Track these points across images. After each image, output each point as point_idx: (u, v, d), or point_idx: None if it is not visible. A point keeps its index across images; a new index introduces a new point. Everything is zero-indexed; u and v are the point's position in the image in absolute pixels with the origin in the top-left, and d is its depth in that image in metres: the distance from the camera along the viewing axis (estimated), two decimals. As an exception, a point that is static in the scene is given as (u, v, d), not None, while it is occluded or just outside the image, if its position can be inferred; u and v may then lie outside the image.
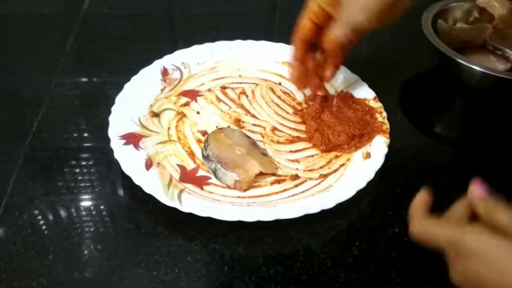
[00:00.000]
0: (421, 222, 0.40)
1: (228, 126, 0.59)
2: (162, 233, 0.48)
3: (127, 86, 0.61)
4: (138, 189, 0.50)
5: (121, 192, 0.53)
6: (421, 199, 0.41)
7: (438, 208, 0.51)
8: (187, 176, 0.53)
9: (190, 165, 0.54)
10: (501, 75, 0.61)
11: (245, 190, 0.51)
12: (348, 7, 0.52)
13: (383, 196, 0.52)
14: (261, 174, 0.53)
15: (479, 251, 0.36)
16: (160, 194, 0.48)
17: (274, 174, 0.54)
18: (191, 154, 0.56)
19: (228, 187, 0.52)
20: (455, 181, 0.55)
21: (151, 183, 0.50)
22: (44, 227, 0.48)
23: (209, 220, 0.47)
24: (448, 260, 0.38)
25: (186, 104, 0.62)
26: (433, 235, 0.39)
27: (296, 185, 0.53)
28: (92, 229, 0.49)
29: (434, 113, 0.65)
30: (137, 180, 0.50)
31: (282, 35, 0.75)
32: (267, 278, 0.45)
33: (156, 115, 0.60)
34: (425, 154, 0.59)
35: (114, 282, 0.44)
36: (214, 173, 0.53)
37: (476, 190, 0.41)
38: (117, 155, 0.52)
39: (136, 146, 0.54)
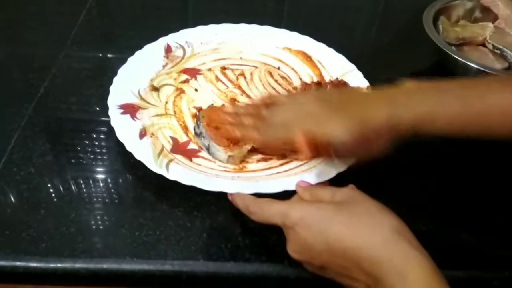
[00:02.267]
0: (256, 203, 0.45)
1: (223, 105, 0.61)
2: (148, 198, 0.51)
3: (130, 59, 0.63)
4: (130, 156, 0.52)
5: (114, 158, 0.55)
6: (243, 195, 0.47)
7: (421, 199, 0.53)
8: (178, 148, 0.55)
9: (182, 138, 0.57)
10: (496, 73, 0.61)
11: (238, 165, 0.53)
12: None
13: (364, 182, 0.53)
14: (253, 149, 0.55)
15: (303, 218, 0.40)
16: (150, 161, 0.51)
17: (263, 152, 0.55)
18: (185, 128, 0.58)
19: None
20: (444, 175, 0.56)
21: (142, 151, 0.52)
22: (38, 184, 0.51)
23: (194, 190, 0.49)
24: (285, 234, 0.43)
25: (186, 81, 0.65)
26: (267, 212, 0.43)
27: (282, 164, 0.54)
28: (83, 190, 0.51)
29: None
30: (129, 147, 0.52)
31: (290, 22, 0.77)
32: (242, 247, 0.47)
33: (155, 89, 0.62)
34: (413, 145, 0.60)
35: (98, 238, 0.47)
36: (207, 149, 0.55)
37: (301, 183, 0.47)
38: (113, 122, 0.54)
39: (133, 116, 0.57)
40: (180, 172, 0.50)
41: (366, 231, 0.38)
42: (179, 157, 0.54)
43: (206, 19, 0.72)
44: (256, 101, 0.56)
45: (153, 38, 0.68)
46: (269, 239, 0.47)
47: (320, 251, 0.40)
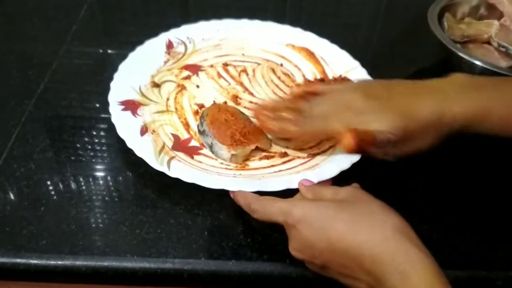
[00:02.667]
0: (258, 201, 0.44)
1: (225, 102, 0.61)
2: (149, 196, 0.50)
3: (131, 55, 0.63)
4: (131, 153, 0.51)
5: (114, 155, 0.55)
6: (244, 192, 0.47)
7: (425, 199, 0.52)
8: (180, 145, 0.55)
9: (184, 135, 0.56)
10: (501, 71, 0.60)
11: (241, 164, 0.53)
12: None
13: (367, 179, 0.53)
14: (257, 149, 0.54)
15: (305, 216, 0.40)
16: (151, 158, 0.50)
17: (264, 150, 0.55)
18: (186, 125, 0.58)
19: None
20: (448, 174, 0.56)
21: (144, 148, 0.52)
22: (39, 180, 0.51)
23: (196, 188, 0.49)
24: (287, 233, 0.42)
25: (187, 77, 0.64)
26: (269, 210, 0.43)
27: (284, 162, 0.54)
28: (83, 187, 0.51)
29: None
30: (130, 144, 0.52)
31: (293, 18, 0.76)
32: (244, 245, 0.47)
33: (156, 85, 0.62)
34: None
35: (99, 236, 0.47)
36: (210, 147, 0.54)
37: (304, 182, 0.47)
38: (114, 119, 0.54)
39: (134, 113, 0.56)
40: (182, 169, 0.50)
41: (368, 230, 0.38)
42: (180, 154, 0.53)
43: (208, 15, 0.72)
44: (295, 92, 0.54)
45: (154, 34, 0.67)
46: (270, 237, 0.47)
47: (322, 249, 0.39)
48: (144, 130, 0.54)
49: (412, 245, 0.36)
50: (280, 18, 0.73)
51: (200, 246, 0.46)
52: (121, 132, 0.53)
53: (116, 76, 0.59)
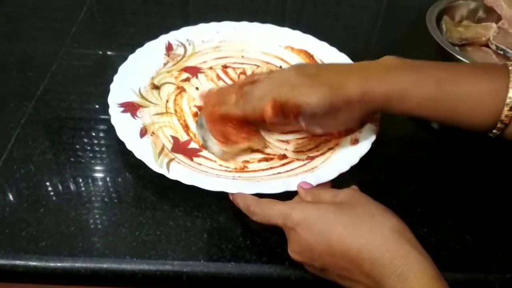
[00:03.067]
0: (257, 204, 0.45)
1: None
2: (148, 197, 0.51)
3: (131, 57, 0.63)
4: (131, 155, 0.52)
5: (114, 157, 0.55)
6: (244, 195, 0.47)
7: (424, 201, 0.52)
8: (179, 147, 0.55)
9: (183, 137, 0.56)
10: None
11: (236, 163, 0.54)
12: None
13: (366, 182, 0.53)
14: (255, 150, 0.54)
15: (305, 219, 0.40)
16: (150, 160, 0.50)
17: (262, 152, 0.55)
18: (186, 127, 0.58)
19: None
20: (447, 176, 0.56)
21: (143, 150, 0.52)
22: (38, 182, 0.51)
23: (195, 190, 0.49)
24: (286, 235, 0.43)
25: (187, 79, 0.64)
26: (268, 212, 0.43)
27: (283, 164, 0.54)
28: (82, 188, 0.51)
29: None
30: (130, 146, 0.52)
31: (293, 20, 0.76)
32: (243, 248, 0.47)
33: (156, 87, 0.62)
34: (414, 146, 0.60)
35: (98, 238, 0.47)
36: (204, 141, 0.54)
37: (303, 185, 0.47)
38: (113, 121, 0.54)
39: (133, 114, 0.56)
40: (181, 171, 0.50)
41: (367, 232, 0.38)
42: (179, 156, 0.53)
43: (208, 17, 0.72)
44: (240, 81, 0.56)
45: (154, 35, 0.67)
46: (270, 239, 0.47)
47: (321, 252, 0.39)
48: (143, 132, 0.54)
49: (411, 247, 0.37)
50: (279, 20, 0.74)
51: (199, 248, 0.46)
52: (121, 134, 0.53)
53: (115, 78, 0.59)
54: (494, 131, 0.46)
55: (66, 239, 0.46)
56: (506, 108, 0.44)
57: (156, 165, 0.50)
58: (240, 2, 0.84)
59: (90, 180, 0.52)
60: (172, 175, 0.49)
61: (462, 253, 0.48)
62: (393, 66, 0.47)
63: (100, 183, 0.52)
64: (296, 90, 0.47)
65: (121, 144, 0.52)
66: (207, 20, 0.71)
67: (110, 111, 0.55)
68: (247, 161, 0.54)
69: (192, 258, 0.46)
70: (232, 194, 0.48)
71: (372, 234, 0.38)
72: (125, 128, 0.54)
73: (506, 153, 0.58)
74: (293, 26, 0.70)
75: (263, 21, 0.71)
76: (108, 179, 0.52)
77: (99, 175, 0.53)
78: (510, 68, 0.44)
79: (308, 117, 0.48)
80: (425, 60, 0.48)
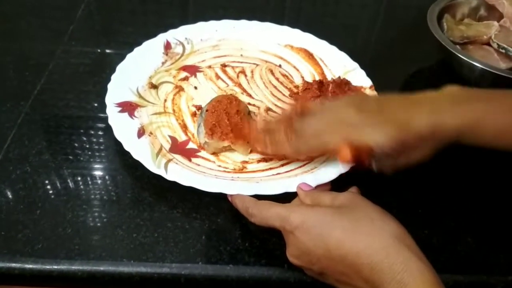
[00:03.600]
0: (256, 206, 0.44)
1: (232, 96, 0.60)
2: (146, 199, 0.50)
3: (129, 56, 0.62)
4: (128, 156, 0.51)
5: (112, 157, 0.54)
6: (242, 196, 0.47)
7: (425, 203, 0.52)
8: (177, 148, 0.54)
9: (181, 137, 0.56)
10: (501, 73, 0.60)
11: (213, 153, 0.54)
12: None
13: (366, 183, 0.53)
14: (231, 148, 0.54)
15: (303, 222, 0.40)
16: (148, 161, 0.50)
17: (262, 153, 0.55)
18: (184, 127, 0.57)
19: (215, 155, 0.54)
20: (447, 178, 0.55)
21: (141, 151, 0.51)
22: (34, 183, 0.50)
23: (193, 191, 0.48)
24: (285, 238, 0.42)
25: (185, 78, 0.64)
26: (266, 215, 0.43)
27: (282, 165, 0.53)
28: (79, 189, 0.51)
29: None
30: (127, 146, 0.51)
31: (292, 19, 0.76)
32: (242, 250, 0.46)
33: (154, 86, 0.61)
34: None
35: (95, 241, 0.46)
36: (198, 126, 0.55)
37: (303, 186, 0.47)
38: (111, 121, 0.53)
39: (131, 114, 0.56)
40: (179, 172, 0.50)
41: (367, 237, 0.37)
42: (178, 156, 0.53)
43: (207, 15, 0.71)
44: (287, 113, 0.53)
45: (152, 34, 0.66)
46: (268, 242, 0.47)
47: (320, 256, 0.39)
48: (141, 132, 0.54)
49: (411, 253, 0.36)
50: (279, 19, 0.73)
51: (197, 251, 0.46)
52: (118, 134, 0.52)
53: (113, 77, 0.59)
54: None
55: (63, 241, 0.46)
56: None
57: (154, 166, 0.49)
58: (239, 0, 0.83)
59: (87, 181, 0.51)
60: (170, 176, 0.49)
61: (463, 255, 0.48)
62: (462, 96, 0.45)
63: (97, 184, 0.51)
64: (361, 129, 0.44)
65: (119, 144, 0.52)
66: (206, 18, 0.70)
67: (108, 111, 0.54)
68: (246, 162, 0.54)
69: (190, 261, 0.45)
70: (231, 195, 0.47)
71: (371, 239, 0.37)
72: (123, 128, 0.53)
73: (507, 155, 0.57)
74: (292, 25, 0.70)
75: (262, 19, 0.71)
76: (105, 180, 0.52)
77: (96, 176, 0.52)
78: None
79: (377, 156, 0.45)
80: (491, 89, 0.45)
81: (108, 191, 0.51)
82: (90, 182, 0.51)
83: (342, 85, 0.61)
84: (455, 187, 0.54)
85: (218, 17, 0.71)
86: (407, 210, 0.51)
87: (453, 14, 0.71)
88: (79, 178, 0.52)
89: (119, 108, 0.56)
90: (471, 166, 0.57)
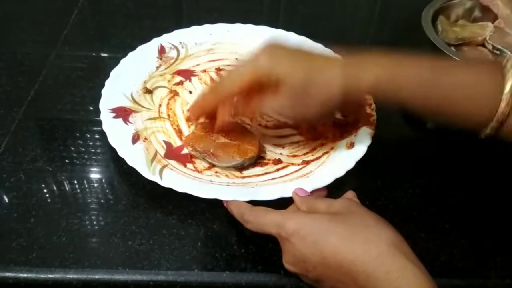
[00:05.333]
0: (252, 212, 0.44)
1: None
2: (141, 205, 0.50)
3: (123, 61, 0.62)
4: (123, 162, 0.51)
5: (106, 164, 0.54)
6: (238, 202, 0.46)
7: (420, 205, 0.52)
8: (172, 153, 0.54)
9: (176, 142, 0.56)
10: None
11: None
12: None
13: (362, 186, 0.53)
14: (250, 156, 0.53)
15: (299, 230, 0.40)
16: (143, 168, 0.50)
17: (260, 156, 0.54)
18: (179, 132, 0.57)
19: (210, 166, 0.53)
20: (443, 181, 0.55)
21: (135, 157, 0.51)
22: (29, 191, 0.50)
23: (189, 197, 0.48)
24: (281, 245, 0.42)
25: (180, 83, 0.63)
26: (262, 221, 0.42)
27: (278, 169, 0.53)
28: (74, 197, 0.50)
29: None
30: (122, 153, 0.51)
31: (287, 22, 0.75)
32: (238, 256, 0.46)
33: (149, 91, 0.61)
34: (411, 149, 0.59)
35: (90, 249, 0.46)
36: None
37: (298, 192, 0.46)
38: (105, 127, 0.53)
39: (126, 120, 0.55)
40: (174, 178, 0.49)
41: (362, 244, 0.37)
42: (173, 162, 0.52)
43: (201, 19, 0.71)
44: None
45: (147, 38, 0.66)
46: (265, 248, 0.46)
47: (315, 263, 0.39)
48: (136, 138, 0.54)
49: (407, 260, 0.36)
50: (274, 22, 0.73)
51: (193, 258, 0.46)
52: (112, 140, 0.52)
53: (107, 83, 0.58)
54: (488, 131, 0.43)
55: (57, 250, 0.45)
56: (502, 104, 0.41)
57: (148, 173, 0.49)
58: (233, 4, 0.83)
59: (81, 188, 0.51)
60: (165, 182, 0.48)
61: (460, 259, 0.47)
62: (380, 54, 0.46)
63: (92, 191, 0.51)
64: (279, 62, 0.46)
65: (114, 150, 0.51)
66: (200, 22, 0.70)
67: (102, 117, 0.54)
68: (242, 168, 0.53)
69: (186, 268, 0.45)
70: (227, 201, 0.47)
71: (367, 246, 0.37)
72: (117, 134, 0.53)
73: (502, 157, 0.57)
74: (287, 28, 0.70)
75: (256, 23, 0.70)
76: (100, 187, 0.52)
77: (91, 183, 0.52)
78: (504, 63, 0.42)
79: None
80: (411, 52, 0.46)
81: (103, 198, 0.50)
82: (84, 189, 0.51)
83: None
84: (450, 190, 0.54)
85: (213, 21, 0.70)
86: (402, 213, 0.51)
87: (448, 16, 0.71)
88: (73, 186, 0.51)
89: (114, 114, 0.55)
90: (467, 169, 0.57)
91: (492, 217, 0.52)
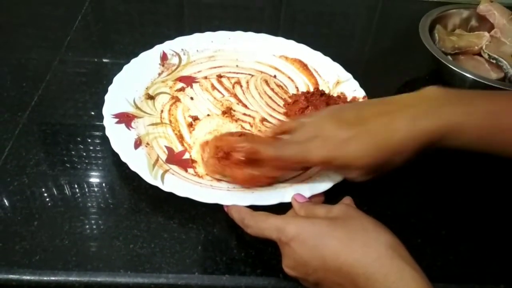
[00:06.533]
0: (252, 216, 0.44)
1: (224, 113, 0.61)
2: (143, 210, 0.50)
3: (126, 67, 0.63)
4: (125, 166, 0.52)
5: (108, 168, 0.55)
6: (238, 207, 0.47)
7: (417, 211, 0.53)
8: (174, 158, 0.55)
9: (178, 147, 0.56)
10: (491, 83, 0.61)
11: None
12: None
13: (359, 193, 0.53)
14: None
15: (299, 234, 0.40)
16: (145, 172, 0.50)
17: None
18: (180, 138, 0.58)
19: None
20: (439, 187, 0.56)
21: (138, 162, 0.52)
22: (32, 195, 0.51)
23: (190, 201, 0.49)
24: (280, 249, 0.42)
25: (182, 89, 0.64)
26: (262, 226, 0.43)
27: (277, 176, 0.54)
28: (77, 201, 0.51)
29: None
30: (124, 158, 0.52)
31: (287, 30, 0.76)
32: (238, 260, 0.47)
33: (151, 97, 0.62)
34: (425, 159, 0.59)
35: (92, 252, 0.46)
36: None
37: (297, 198, 0.47)
38: (108, 132, 0.54)
39: (128, 125, 0.56)
40: (175, 183, 0.50)
41: (361, 248, 0.38)
42: (174, 167, 0.53)
43: (202, 26, 0.72)
44: (269, 133, 0.54)
45: (149, 45, 0.67)
46: (264, 252, 0.47)
47: (315, 267, 0.39)
48: (138, 143, 0.54)
49: (405, 263, 0.37)
50: (274, 30, 0.74)
51: (194, 261, 0.46)
52: (115, 145, 0.53)
53: (110, 88, 0.59)
54: None
55: (60, 252, 0.46)
56: None
57: (150, 177, 0.50)
58: (234, 12, 0.84)
59: (84, 192, 0.52)
60: (167, 187, 0.49)
61: (456, 264, 0.48)
62: (442, 99, 0.44)
63: (94, 195, 0.52)
64: (342, 147, 0.45)
65: (116, 155, 0.52)
66: (202, 30, 0.71)
67: (105, 122, 0.55)
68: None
69: (187, 271, 0.46)
70: (227, 206, 0.48)
71: (366, 250, 0.38)
72: (120, 139, 0.54)
73: (499, 163, 0.58)
74: (287, 36, 0.71)
75: (257, 30, 0.71)
76: (102, 190, 0.52)
77: (93, 187, 0.53)
78: None
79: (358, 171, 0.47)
80: (471, 90, 0.46)
81: (105, 202, 0.51)
82: (87, 193, 0.52)
83: (335, 96, 0.62)
84: (447, 196, 0.55)
85: (214, 29, 0.71)
86: (400, 219, 0.52)
87: (445, 25, 0.72)
88: (76, 189, 0.52)
89: (116, 119, 0.56)
90: (463, 175, 0.57)
91: (488, 224, 0.52)
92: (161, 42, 0.68)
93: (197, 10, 0.84)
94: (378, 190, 0.54)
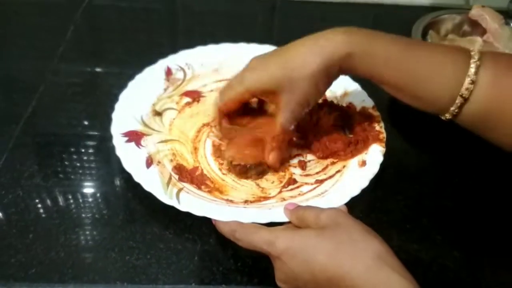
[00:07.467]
0: (242, 230, 0.44)
1: None
2: (138, 220, 0.50)
3: (131, 84, 0.61)
4: (120, 177, 0.51)
5: (103, 179, 0.54)
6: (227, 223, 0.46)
7: (413, 217, 0.53)
8: (186, 175, 0.53)
9: (189, 163, 0.55)
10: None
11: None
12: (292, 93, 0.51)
13: (356, 199, 0.53)
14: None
15: (288, 248, 0.40)
16: (159, 192, 0.49)
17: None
18: (190, 153, 0.57)
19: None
20: (435, 192, 0.56)
21: (151, 181, 0.50)
22: (27, 207, 0.51)
23: (185, 211, 0.49)
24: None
25: (188, 104, 0.63)
26: (252, 239, 0.43)
27: (292, 189, 0.53)
28: (71, 213, 0.51)
29: (430, 124, 0.58)
30: (137, 178, 0.50)
31: (281, 36, 0.76)
32: (234, 270, 0.47)
33: (158, 114, 0.61)
34: (420, 164, 0.60)
35: (88, 264, 0.46)
36: None
37: (288, 206, 0.47)
38: (119, 152, 0.52)
39: (138, 144, 0.55)
40: (191, 202, 0.49)
41: (349, 261, 0.38)
42: (187, 185, 0.52)
43: (196, 34, 0.72)
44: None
45: (142, 53, 0.67)
46: (261, 261, 0.47)
47: (306, 281, 0.39)
48: (149, 162, 0.53)
49: (393, 272, 0.37)
50: (268, 36, 0.74)
51: (190, 272, 0.46)
52: (127, 165, 0.51)
53: (117, 106, 0.57)
54: (451, 108, 0.47)
55: (56, 265, 0.46)
56: (467, 80, 0.45)
57: (166, 197, 0.48)
58: (237, 24, 0.83)
59: (79, 204, 0.52)
60: (183, 206, 0.48)
61: (451, 270, 0.48)
62: (351, 28, 0.49)
63: (89, 206, 0.52)
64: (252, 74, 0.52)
65: (111, 166, 0.52)
66: (195, 38, 0.71)
67: (114, 141, 0.53)
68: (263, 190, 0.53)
69: (183, 282, 0.45)
70: (215, 220, 0.47)
71: (354, 262, 0.38)
72: (131, 158, 0.52)
73: (495, 168, 0.58)
74: (282, 41, 0.70)
75: (250, 38, 0.71)
76: (97, 202, 0.52)
77: (88, 198, 0.52)
78: (471, 53, 0.46)
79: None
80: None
81: (100, 213, 0.51)
82: (82, 204, 0.52)
83: (345, 107, 0.62)
84: (442, 201, 0.55)
85: (209, 36, 0.71)
86: (396, 225, 0.52)
87: (438, 30, 0.72)
88: (71, 201, 0.52)
89: (126, 138, 0.54)
90: (458, 181, 0.58)
91: (483, 229, 0.53)
92: (154, 49, 0.68)
93: (190, 18, 0.84)
94: (374, 196, 0.54)
